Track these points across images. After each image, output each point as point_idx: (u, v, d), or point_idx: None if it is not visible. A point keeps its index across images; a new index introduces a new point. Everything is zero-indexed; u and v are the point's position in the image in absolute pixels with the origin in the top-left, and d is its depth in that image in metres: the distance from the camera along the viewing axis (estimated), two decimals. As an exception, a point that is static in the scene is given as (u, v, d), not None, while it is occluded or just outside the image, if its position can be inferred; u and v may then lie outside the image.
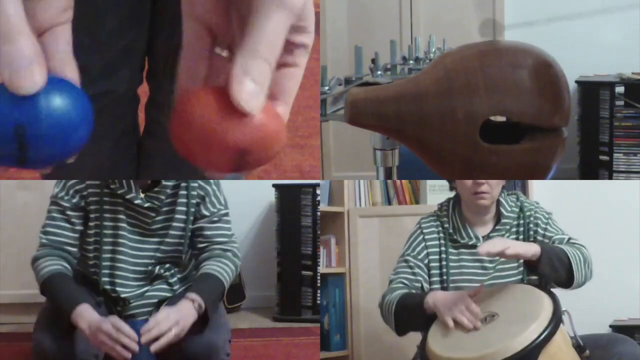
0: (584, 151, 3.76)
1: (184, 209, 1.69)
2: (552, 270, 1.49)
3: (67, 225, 1.67)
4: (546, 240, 1.68)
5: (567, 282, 1.53)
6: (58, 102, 0.62)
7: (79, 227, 1.68)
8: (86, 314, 1.50)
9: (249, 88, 0.58)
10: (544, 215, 1.73)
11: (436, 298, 1.54)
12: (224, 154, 0.61)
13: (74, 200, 1.67)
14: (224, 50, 0.66)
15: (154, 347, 1.45)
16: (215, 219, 1.72)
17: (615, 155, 3.68)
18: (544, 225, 1.71)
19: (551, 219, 1.73)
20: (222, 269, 1.66)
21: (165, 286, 1.71)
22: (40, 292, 1.62)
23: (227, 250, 1.72)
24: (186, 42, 0.67)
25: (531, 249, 1.48)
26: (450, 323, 1.47)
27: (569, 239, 1.67)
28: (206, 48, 0.66)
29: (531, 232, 1.71)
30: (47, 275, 1.60)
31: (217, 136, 0.61)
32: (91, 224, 1.68)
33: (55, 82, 0.62)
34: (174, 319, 1.49)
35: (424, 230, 1.76)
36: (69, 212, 1.67)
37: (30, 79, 0.56)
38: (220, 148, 0.61)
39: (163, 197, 1.67)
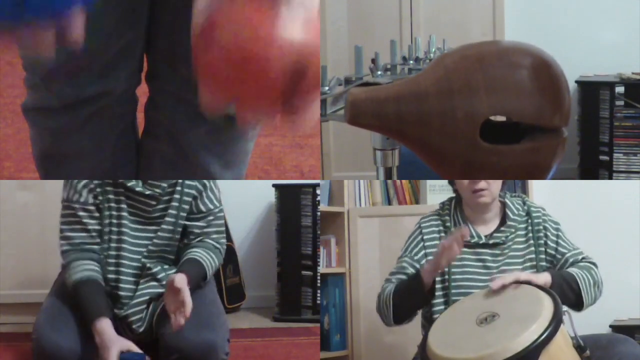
0: (584, 151, 3.76)
1: (177, 204, 1.70)
2: (563, 297, 1.52)
3: (80, 227, 1.67)
4: (558, 256, 1.70)
5: (577, 305, 1.59)
6: None
7: (92, 227, 1.68)
8: (103, 330, 1.53)
9: None
10: (552, 225, 1.74)
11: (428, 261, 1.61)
12: (271, 75, 0.49)
13: (83, 200, 1.67)
14: None
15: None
16: (210, 217, 1.73)
17: (615, 155, 3.68)
18: (554, 238, 1.72)
19: (560, 230, 1.74)
20: (206, 257, 1.69)
21: (155, 283, 1.71)
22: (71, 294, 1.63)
23: (215, 246, 1.74)
24: None
25: (541, 279, 1.52)
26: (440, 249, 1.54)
27: (583, 257, 1.70)
28: None
29: (541, 242, 1.71)
30: (76, 279, 1.62)
31: (261, 53, 0.47)
32: (102, 216, 1.69)
33: None
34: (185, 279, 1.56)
35: (423, 231, 1.76)
36: (80, 214, 1.67)
37: None
38: (265, 67, 0.48)
39: (165, 184, 1.68)
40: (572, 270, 1.62)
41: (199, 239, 1.73)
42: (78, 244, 1.67)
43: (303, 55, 0.50)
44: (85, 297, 1.59)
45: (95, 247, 1.68)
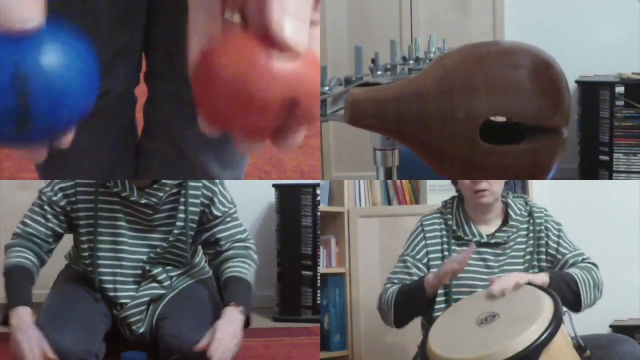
0: (584, 151, 3.76)
1: (183, 215, 1.69)
2: (562, 297, 1.52)
3: (41, 220, 1.68)
4: (559, 257, 1.70)
5: (575, 306, 1.59)
6: (60, 48, 0.50)
7: (52, 225, 1.68)
8: (20, 316, 1.52)
9: (292, 22, 0.50)
10: (554, 226, 1.74)
11: (433, 272, 1.62)
12: (269, 107, 0.50)
13: (55, 198, 1.67)
14: (234, 14, 0.57)
15: None
16: (228, 218, 1.73)
17: (615, 155, 3.68)
18: (555, 239, 1.72)
19: (562, 231, 1.74)
20: (247, 270, 1.68)
21: (155, 284, 1.70)
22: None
23: (248, 248, 1.74)
24: (193, 3, 0.57)
25: (540, 279, 1.53)
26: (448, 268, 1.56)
27: (584, 259, 1.70)
28: (217, 6, 0.57)
29: (542, 242, 1.72)
30: (8, 265, 1.63)
31: (259, 85, 0.49)
32: (82, 222, 1.68)
33: (53, 28, 0.51)
34: (232, 332, 1.54)
35: (425, 229, 1.76)
36: (46, 207, 1.68)
37: (28, 8, 0.48)
38: (264, 99, 0.50)
39: (162, 194, 1.66)
40: (572, 270, 1.62)
41: (228, 244, 1.72)
42: (29, 233, 1.68)
43: (299, 85, 0.51)
44: (14, 283, 1.60)
45: (44, 244, 1.69)
